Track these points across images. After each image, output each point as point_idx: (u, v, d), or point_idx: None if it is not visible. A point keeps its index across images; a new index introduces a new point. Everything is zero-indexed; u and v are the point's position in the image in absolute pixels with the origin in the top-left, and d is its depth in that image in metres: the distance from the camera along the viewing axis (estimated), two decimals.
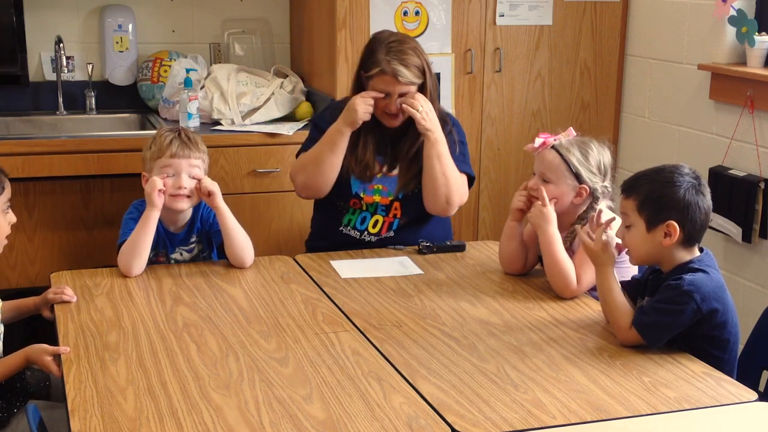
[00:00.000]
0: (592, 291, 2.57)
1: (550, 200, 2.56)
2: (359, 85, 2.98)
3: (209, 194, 2.74)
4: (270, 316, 2.42)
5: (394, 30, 3.59)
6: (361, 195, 2.99)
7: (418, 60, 2.89)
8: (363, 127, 2.93)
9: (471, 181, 3.07)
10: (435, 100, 2.95)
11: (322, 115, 3.15)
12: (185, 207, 2.78)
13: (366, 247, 2.98)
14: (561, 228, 2.61)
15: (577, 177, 2.57)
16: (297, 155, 3.12)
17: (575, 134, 2.64)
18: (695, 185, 2.22)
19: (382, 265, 2.82)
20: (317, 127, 3.07)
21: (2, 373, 2.25)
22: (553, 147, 2.58)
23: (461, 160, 3.01)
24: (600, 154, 2.60)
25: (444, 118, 3.02)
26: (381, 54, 2.87)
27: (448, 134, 2.98)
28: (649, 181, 2.26)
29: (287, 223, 3.71)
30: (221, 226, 2.76)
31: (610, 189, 2.62)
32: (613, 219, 2.37)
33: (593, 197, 2.60)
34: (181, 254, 2.87)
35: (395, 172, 2.99)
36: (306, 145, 3.08)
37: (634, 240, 2.27)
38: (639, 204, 2.25)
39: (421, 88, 2.91)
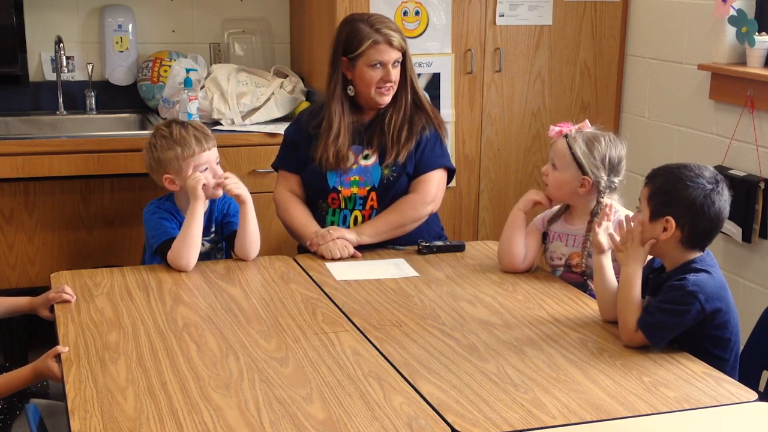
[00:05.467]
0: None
1: (553, 186, 2.69)
2: (341, 75, 3.00)
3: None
4: (270, 316, 2.42)
5: None
6: (339, 188, 3.01)
7: (399, 29, 3.01)
8: (340, 117, 2.98)
9: (451, 174, 3.12)
10: (415, 77, 3.05)
11: (293, 126, 3.15)
12: (220, 194, 2.85)
13: (363, 248, 2.96)
14: (571, 220, 2.69)
15: (581, 168, 2.61)
16: (273, 167, 3.17)
17: (590, 127, 2.68)
18: (707, 190, 2.21)
19: (377, 266, 2.81)
20: (287, 141, 3.12)
21: (11, 387, 2.24)
22: (564, 136, 2.66)
23: (440, 154, 3.06)
24: (609, 149, 2.62)
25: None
26: (366, 28, 2.95)
27: (421, 129, 3.02)
28: (667, 173, 2.28)
29: None
30: (243, 216, 2.79)
31: (616, 184, 2.63)
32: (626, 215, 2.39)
33: (598, 191, 2.62)
34: (203, 245, 2.88)
35: (372, 161, 3.00)
36: (278, 162, 3.14)
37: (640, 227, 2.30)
38: (650, 193, 2.28)
39: (404, 62, 2.99)
